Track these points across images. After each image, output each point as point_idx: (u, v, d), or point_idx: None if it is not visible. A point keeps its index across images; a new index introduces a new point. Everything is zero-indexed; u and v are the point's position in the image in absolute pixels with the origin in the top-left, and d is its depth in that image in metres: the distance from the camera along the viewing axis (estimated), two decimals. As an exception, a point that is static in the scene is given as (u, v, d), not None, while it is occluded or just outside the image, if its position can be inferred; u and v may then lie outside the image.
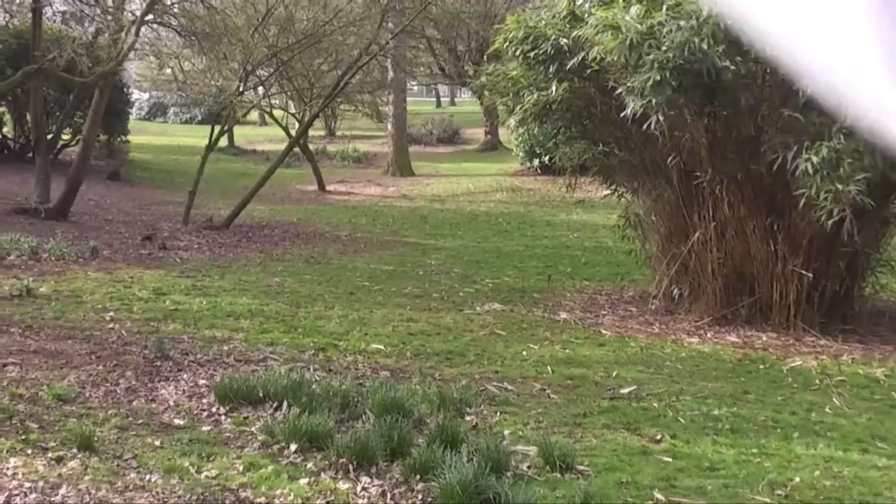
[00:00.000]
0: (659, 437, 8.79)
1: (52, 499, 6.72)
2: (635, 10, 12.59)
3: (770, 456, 8.36)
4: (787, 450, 8.55)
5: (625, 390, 10.40)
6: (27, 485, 6.92)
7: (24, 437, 7.88)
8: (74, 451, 7.63)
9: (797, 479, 7.75)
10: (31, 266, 15.58)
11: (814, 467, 8.11)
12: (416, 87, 67.11)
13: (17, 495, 6.73)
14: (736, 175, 13.94)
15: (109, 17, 22.73)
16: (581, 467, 7.83)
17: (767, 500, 7.32)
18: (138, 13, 21.84)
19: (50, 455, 7.51)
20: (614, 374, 11.14)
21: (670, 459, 8.20)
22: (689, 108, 13.11)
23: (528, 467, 7.82)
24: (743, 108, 12.92)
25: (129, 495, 6.91)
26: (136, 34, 20.72)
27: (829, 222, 11.64)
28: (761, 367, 11.82)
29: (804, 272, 13.36)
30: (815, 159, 11.51)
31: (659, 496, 7.30)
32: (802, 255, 13.51)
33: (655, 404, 9.88)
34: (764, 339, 13.22)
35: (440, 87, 71.22)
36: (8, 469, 7.17)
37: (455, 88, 72.36)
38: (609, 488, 7.40)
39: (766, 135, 13.23)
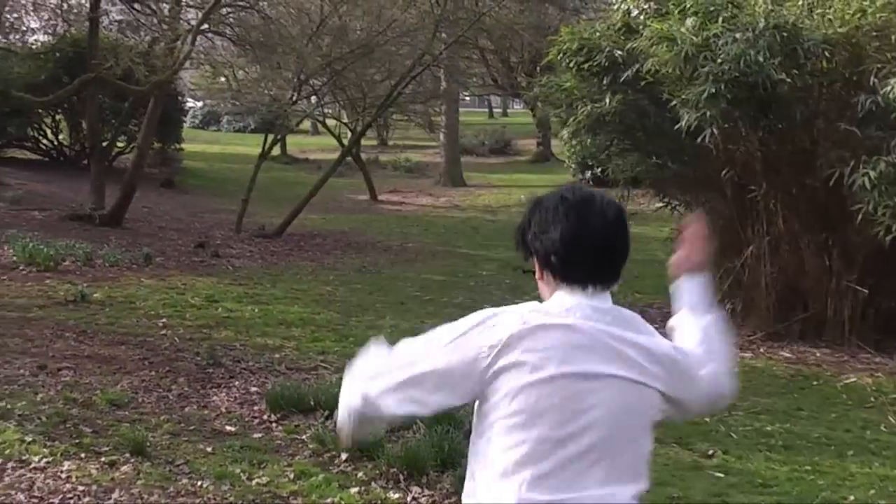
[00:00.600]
0: (711, 452, 8.73)
1: (105, 502, 6.76)
2: (691, 21, 12.53)
3: (824, 474, 8.27)
4: (841, 468, 8.45)
5: (676, 404, 10.33)
6: (80, 488, 6.96)
7: (77, 441, 7.93)
8: (127, 455, 7.67)
9: (851, 497, 7.67)
10: (86, 272, 15.70)
11: (868, 486, 8.01)
12: (468, 98, 67.09)
13: (70, 498, 6.78)
14: (790, 189, 13.84)
15: (165, 27, 22.93)
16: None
17: (821, 517, 7.25)
18: (194, 23, 21.99)
19: (103, 459, 7.56)
20: (665, 387, 11.06)
21: (722, 475, 8.14)
22: (743, 121, 13.04)
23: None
24: (798, 121, 12.84)
25: (181, 501, 6.94)
26: (192, 43, 20.87)
27: (887, 238, 11.52)
28: (815, 383, 11.70)
29: (859, 288, 13.23)
30: (872, 174, 11.38)
31: (711, 512, 7.25)
32: (857, 270, 13.39)
33: (707, 419, 9.79)
34: (818, 355, 13.09)
35: (492, 97, 71.18)
36: (62, 472, 7.22)
37: (507, 99, 72.29)
38: (660, 503, 7.34)
39: (822, 149, 13.14)
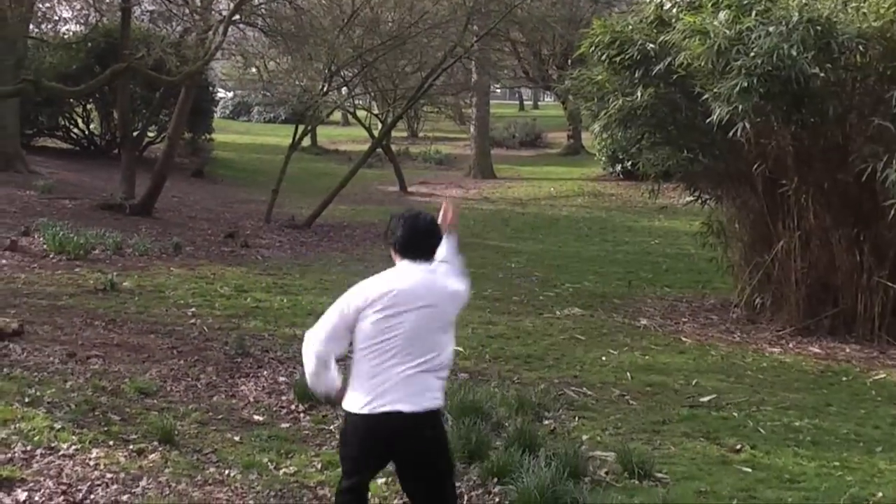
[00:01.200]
0: (739, 447, 8.69)
1: (132, 490, 6.79)
2: (724, 15, 12.46)
3: (852, 470, 8.22)
4: (869, 464, 8.40)
5: (704, 399, 10.31)
6: (109, 476, 6.99)
7: (106, 428, 7.96)
8: (155, 444, 7.70)
9: (880, 494, 7.61)
10: (116, 261, 15.77)
11: (897, 483, 7.97)
12: (498, 90, 67.07)
13: (98, 486, 6.81)
14: (822, 184, 13.77)
15: (197, 17, 22.98)
16: (659, 475, 7.76)
17: (850, 514, 7.21)
18: (225, 13, 22.03)
19: (131, 447, 7.59)
20: (694, 382, 11.04)
21: (750, 470, 8.10)
22: (776, 115, 12.98)
23: (606, 473, 7.77)
24: (831, 116, 12.77)
25: (208, 489, 6.96)
26: (224, 34, 20.88)
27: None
28: (844, 379, 11.64)
29: (890, 284, 13.17)
30: (905, 169, 11.33)
31: (739, 507, 7.22)
32: (889, 266, 13.32)
33: (735, 414, 9.77)
34: (847, 350, 13.03)
35: (523, 90, 71.13)
36: (90, 460, 7.25)
37: (538, 92, 72.24)
38: (688, 497, 7.32)
39: (855, 144, 13.07)
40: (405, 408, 5.33)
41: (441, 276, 5.73)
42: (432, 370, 5.47)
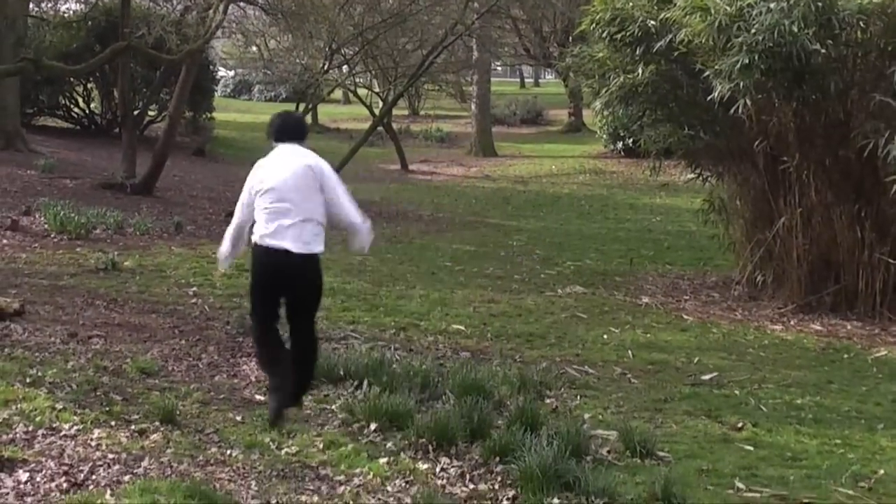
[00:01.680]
0: (740, 425, 8.69)
1: (134, 470, 6.79)
2: (724, -9, 12.44)
3: (854, 447, 8.22)
4: (871, 441, 8.40)
5: (706, 377, 10.31)
6: (111, 456, 6.99)
7: (108, 408, 7.97)
8: (157, 424, 7.70)
9: (882, 471, 7.61)
10: (117, 240, 15.77)
11: (899, 460, 7.97)
12: (499, 68, 66.92)
13: (100, 466, 6.81)
14: (824, 160, 13.75)
15: (198, -5, 22.93)
16: (661, 453, 7.76)
17: (851, 492, 7.19)
18: (226, -9, 21.98)
19: (133, 427, 7.59)
20: (696, 360, 11.04)
21: (752, 448, 8.11)
22: (777, 91, 12.95)
23: (608, 452, 7.77)
24: (832, 92, 12.73)
25: (210, 469, 6.96)
26: (224, 12, 20.85)
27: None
28: (846, 356, 11.64)
29: (892, 260, 13.15)
30: (907, 145, 11.31)
31: (740, 485, 7.21)
32: (890, 242, 13.31)
33: (737, 392, 9.77)
34: (849, 327, 13.03)
35: (524, 67, 70.99)
36: (92, 440, 7.25)
37: (539, 69, 72.08)
38: (689, 475, 7.32)
39: (856, 120, 13.05)
40: (290, 247, 7.04)
41: (300, 154, 7.32)
42: (308, 221, 7.11)
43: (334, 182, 7.30)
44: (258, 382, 9.18)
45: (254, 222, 7.26)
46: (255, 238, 7.19)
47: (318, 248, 7.22)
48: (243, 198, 7.37)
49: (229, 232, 7.62)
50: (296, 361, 7.43)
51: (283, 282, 7.23)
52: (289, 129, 7.53)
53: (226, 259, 7.94)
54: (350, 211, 7.39)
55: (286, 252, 7.04)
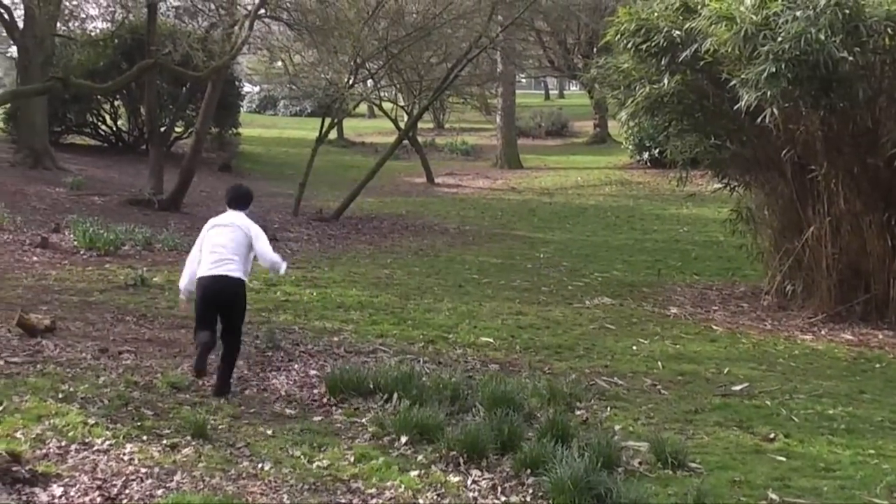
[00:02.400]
0: (772, 435, 8.65)
1: (167, 485, 6.81)
2: (750, 0, 12.41)
3: (888, 458, 8.17)
4: (905, 451, 8.36)
5: (737, 387, 10.27)
6: (143, 470, 7.01)
7: (139, 423, 7.99)
8: (188, 438, 7.72)
9: (916, 481, 7.57)
10: (145, 256, 15.83)
11: (933, 470, 7.91)
12: (524, 80, 66.91)
13: (133, 480, 6.83)
14: (852, 169, 13.70)
15: (223, 12, 23.02)
16: (693, 465, 7.74)
17: (885, 502, 7.15)
18: (251, 8, 22.07)
19: (165, 442, 7.61)
20: (726, 370, 11.00)
21: (784, 459, 8.07)
22: (804, 100, 12.90)
23: (640, 463, 7.75)
24: (860, 100, 12.67)
25: (242, 483, 6.97)
26: (250, 28, 20.94)
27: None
28: (877, 365, 11.59)
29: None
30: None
31: (773, 496, 7.18)
32: (921, 251, 13.25)
33: (768, 402, 9.74)
34: (880, 337, 12.97)
35: (549, 79, 70.95)
36: (125, 454, 7.28)
37: (564, 81, 72.03)
38: (722, 487, 7.29)
39: (885, 127, 13.00)
40: (222, 273, 9.28)
41: (241, 218, 9.74)
42: (232, 259, 9.33)
43: (261, 239, 9.63)
44: (288, 396, 9.21)
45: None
46: (199, 273, 9.40)
47: (240, 274, 9.43)
48: (198, 242, 9.69)
49: (188, 265, 9.69)
50: (223, 356, 9.44)
51: (218, 299, 9.41)
52: (237, 199, 9.97)
53: (185, 284, 9.77)
54: (269, 256, 9.62)
55: (223, 276, 9.30)
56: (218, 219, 9.78)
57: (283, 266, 9.80)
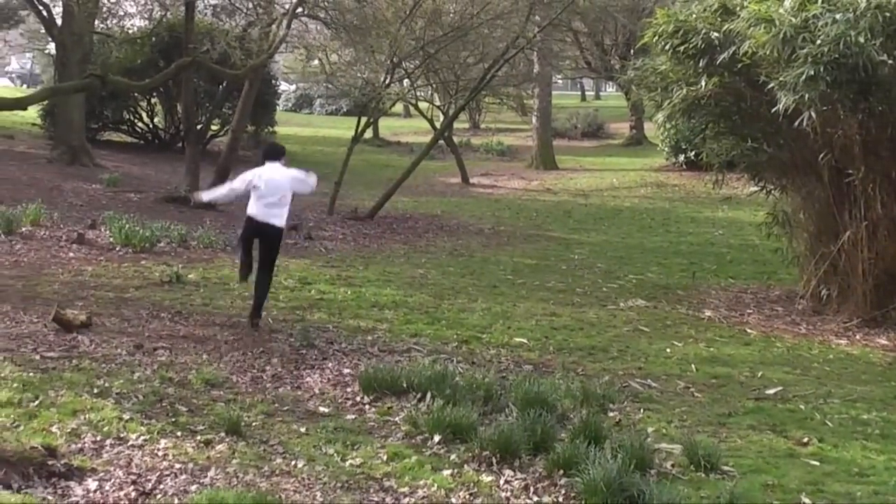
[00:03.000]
0: (806, 440, 8.61)
1: (201, 480, 6.85)
2: (789, 2, 12.37)
3: (924, 463, 8.13)
4: (940, 457, 8.29)
5: (770, 391, 10.23)
6: (177, 466, 7.06)
7: (174, 419, 8.04)
8: (222, 434, 7.76)
9: (951, 487, 7.52)
10: (181, 253, 15.91)
11: (969, 476, 7.85)
12: (560, 81, 66.82)
13: (167, 476, 6.87)
14: (890, 173, 13.62)
15: (261, 10, 23.10)
16: (726, 468, 7.71)
17: (920, 508, 7.12)
18: (288, 6, 22.14)
19: (199, 438, 7.66)
20: (760, 374, 10.96)
21: (818, 463, 8.03)
22: (843, 103, 12.83)
23: (672, 466, 7.74)
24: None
25: (276, 480, 7.00)
26: (288, 27, 21.00)
27: None
28: (913, 371, 11.51)
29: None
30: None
31: (806, 500, 7.15)
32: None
33: (802, 406, 9.69)
34: (916, 342, 12.89)
35: (585, 80, 70.84)
36: (159, 450, 7.32)
37: (600, 82, 71.91)
38: (755, 490, 7.27)
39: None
40: (270, 222, 11.60)
41: (282, 168, 11.97)
42: (279, 207, 11.64)
43: (299, 176, 12.03)
44: (321, 394, 9.24)
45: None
46: (249, 212, 11.82)
47: (281, 221, 11.76)
48: (243, 180, 11.88)
49: (225, 191, 12.98)
50: (258, 283, 11.88)
51: (260, 235, 11.77)
52: (272, 153, 12.22)
53: (206, 197, 14.40)
54: (304, 188, 12.20)
55: (267, 223, 11.62)
56: (261, 170, 11.85)
57: (312, 178, 12.25)
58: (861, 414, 9.49)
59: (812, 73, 11.78)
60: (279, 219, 11.68)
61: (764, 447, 8.40)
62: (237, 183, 12.06)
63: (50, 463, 6.73)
